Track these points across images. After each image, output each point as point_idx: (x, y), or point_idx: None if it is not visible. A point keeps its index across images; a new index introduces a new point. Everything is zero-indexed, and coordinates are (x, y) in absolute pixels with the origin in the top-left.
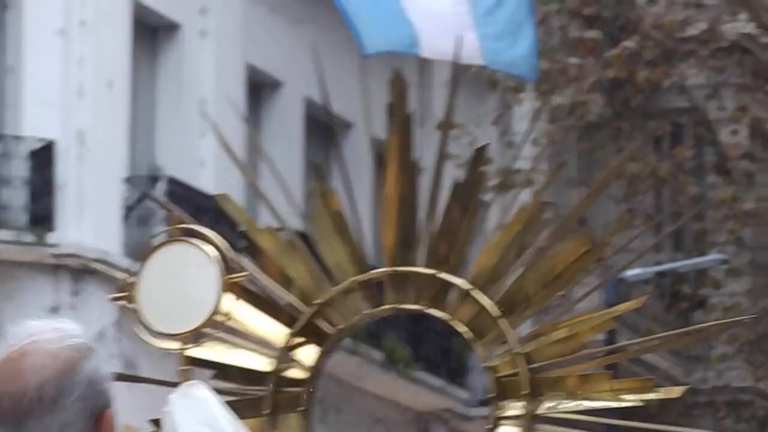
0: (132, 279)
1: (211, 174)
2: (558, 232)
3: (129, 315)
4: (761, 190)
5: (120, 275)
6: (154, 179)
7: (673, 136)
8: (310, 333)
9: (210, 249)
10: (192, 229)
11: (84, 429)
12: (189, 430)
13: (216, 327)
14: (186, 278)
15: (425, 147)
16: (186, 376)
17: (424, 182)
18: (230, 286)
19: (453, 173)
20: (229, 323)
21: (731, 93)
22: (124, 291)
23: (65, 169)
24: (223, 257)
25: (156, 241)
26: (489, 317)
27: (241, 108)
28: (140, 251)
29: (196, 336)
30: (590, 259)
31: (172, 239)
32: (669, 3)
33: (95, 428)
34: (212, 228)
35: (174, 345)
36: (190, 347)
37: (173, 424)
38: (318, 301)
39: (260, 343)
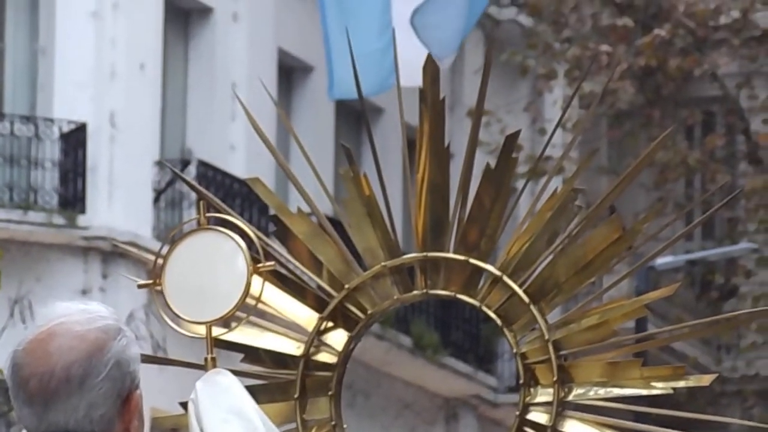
0: (159, 265)
1: (242, 158)
2: (588, 219)
3: (157, 300)
4: None
5: (150, 258)
6: (184, 162)
7: (705, 124)
8: (339, 317)
9: (238, 237)
10: (221, 217)
11: (111, 409)
12: (214, 418)
13: (246, 311)
14: (214, 267)
15: (456, 134)
16: (212, 364)
17: (455, 169)
18: (258, 275)
19: (484, 160)
20: (260, 307)
21: (763, 82)
22: (152, 278)
23: (96, 152)
24: (252, 245)
25: (185, 229)
26: (520, 303)
27: (272, 92)
28: (168, 238)
29: (225, 322)
30: (621, 247)
31: (200, 227)
32: None
33: (123, 409)
34: (242, 212)
35: (201, 331)
36: (218, 335)
37: (198, 411)
38: (348, 285)
39: (290, 327)
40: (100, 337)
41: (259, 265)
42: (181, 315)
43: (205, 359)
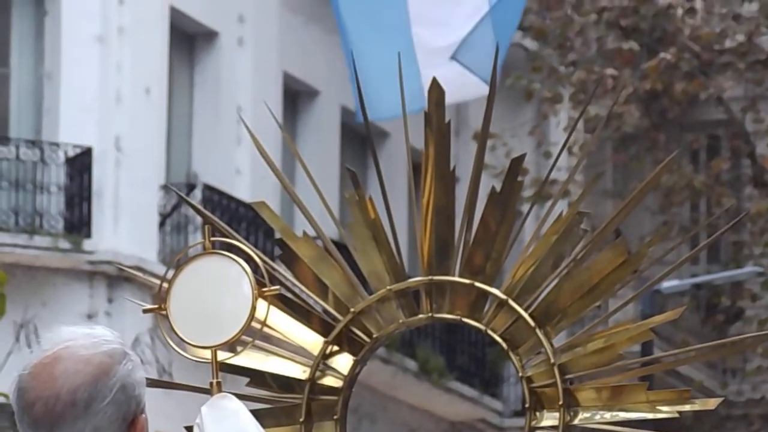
0: (164, 289)
1: (247, 182)
2: (594, 243)
3: (163, 325)
4: None
5: (155, 282)
6: (190, 186)
7: (710, 148)
8: (345, 341)
9: (243, 262)
10: (226, 242)
11: None
12: None
13: (251, 335)
14: (219, 291)
15: (461, 157)
16: (218, 388)
17: (461, 192)
18: (264, 299)
19: (489, 184)
20: (265, 331)
21: None
22: (156, 303)
23: (102, 176)
24: (257, 270)
25: (189, 253)
26: (525, 327)
27: (277, 116)
28: (173, 263)
29: (230, 346)
30: (626, 271)
31: (205, 252)
32: (706, 15)
33: None
34: (247, 236)
35: (206, 355)
36: (224, 359)
37: None
38: (353, 309)
39: (295, 351)
40: (106, 361)
41: (264, 289)
42: (186, 339)
43: (211, 384)
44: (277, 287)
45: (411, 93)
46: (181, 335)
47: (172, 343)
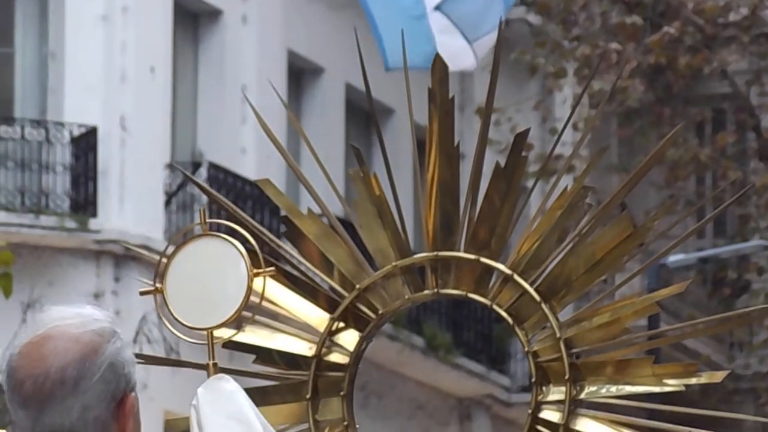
0: (162, 269)
1: (253, 160)
2: (599, 217)
3: (160, 306)
4: None
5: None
6: (195, 165)
7: (715, 121)
8: (351, 318)
9: (238, 243)
10: (224, 223)
11: (106, 412)
12: (216, 424)
13: (251, 311)
14: (215, 272)
15: (466, 133)
16: (214, 370)
17: (465, 169)
18: (259, 280)
19: (494, 159)
20: (271, 308)
21: None
22: (153, 285)
23: (107, 155)
24: (253, 251)
25: (185, 236)
26: (531, 302)
27: (282, 94)
28: (170, 244)
29: (236, 324)
30: (631, 244)
31: (202, 234)
32: None
33: (117, 411)
34: (253, 214)
35: (203, 336)
36: (228, 337)
37: (200, 417)
38: (359, 286)
39: (301, 328)
40: (95, 340)
41: (259, 269)
42: (183, 320)
43: (207, 365)
44: (272, 268)
45: (425, 54)
46: (177, 317)
47: (169, 325)
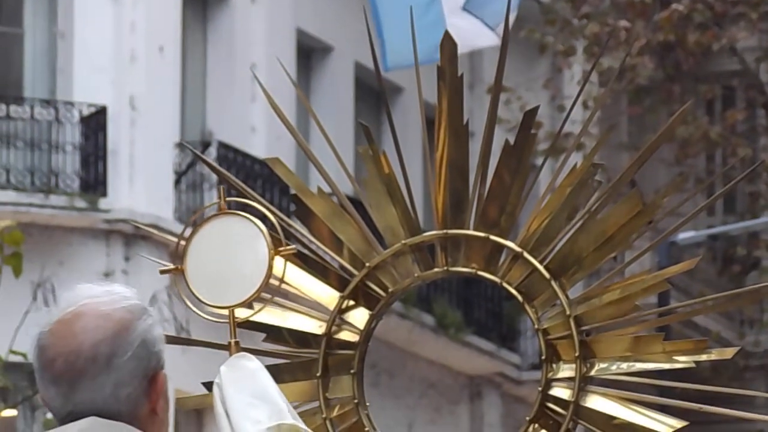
0: (181, 249)
1: (262, 139)
2: (609, 194)
3: (180, 285)
4: None
5: (172, 240)
6: (205, 144)
7: (725, 99)
8: (361, 296)
9: (259, 221)
10: (242, 201)
11: (138, 389)
12: (239, 402)
13: (270, 293)
14: (236, 251)
15: (475, 112)
16: (236, 348)
17: (475, 147)
18: (281, 258)
19: (504, 138)
20: (282, 287)
21: None
22: (173, 263)
23: (117, 135)
24: (273, 229)
25: (206, 214)
26: (541, 279)
27: (291, 73)
28: (189, 223)
29: (248, 304)
30: (641, 222)
31: (221, 212)
32: None
33: (149, 389)
34: (263, 193)
35: (224, 315)
36: (244, 318)
37: (223, 395)
38: (369, 264)
39: (312, 307)
40: (126, 317)
41: (281, 248)
42: (204, 299)
43: (229, 343)
44: (294, 246)
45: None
46: (198, 295)
47: (189, 304)
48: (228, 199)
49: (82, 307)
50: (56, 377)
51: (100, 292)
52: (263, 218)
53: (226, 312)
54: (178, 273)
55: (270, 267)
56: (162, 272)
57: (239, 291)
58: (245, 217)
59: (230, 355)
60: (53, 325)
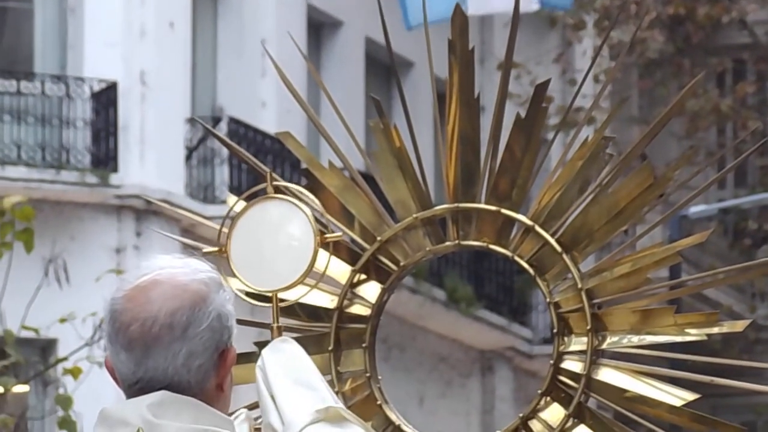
0: (225, 232)
1: (273, 114)
2: (620, 167)
3: (223, 268)
4: None
5: (183, 215)
6: (216, 119)
7: (735, 72)
8: (372, 270)
9: (305, 207)
10: (286, 187)
11: (209, 361)
12: (285, 389)
13: (314, 278)
14: (280, 235)
15: (486, 87)
16: (278, 332)
17: (485, 122)
18: (325, 245)
19: (515, 112)
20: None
21: None
22: (217, 245)
23: (127, 110)
24: (318, 215)
25: (249, 197)
26: (552, 253)
27: (301, 47)
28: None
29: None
30: (652, 195)
31: (267, 196)
32: None
33: (219, 362)
34: (273, 168)
35: (266, 300)
36: (283, 303)
37: (267, 378)
38: (380, 238)
39: (323, 280)
40: (202, 289)
41: (326, 235)
42: (248, 283)
43: (271, 327)
44: (340, 234)
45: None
46: (242, 278)
47: (232, 287)
48: (275, 183)
49: (158, 275)
50: (130, 342)
51: (177, 263)
52: (307, 203)
53: (268, 298)
54: (221, 255)
55: (315, 252)
56: (204, 254)
57: (283, 275)
58: (292, 202)
59: (272, 338)
60: (128, 291)
